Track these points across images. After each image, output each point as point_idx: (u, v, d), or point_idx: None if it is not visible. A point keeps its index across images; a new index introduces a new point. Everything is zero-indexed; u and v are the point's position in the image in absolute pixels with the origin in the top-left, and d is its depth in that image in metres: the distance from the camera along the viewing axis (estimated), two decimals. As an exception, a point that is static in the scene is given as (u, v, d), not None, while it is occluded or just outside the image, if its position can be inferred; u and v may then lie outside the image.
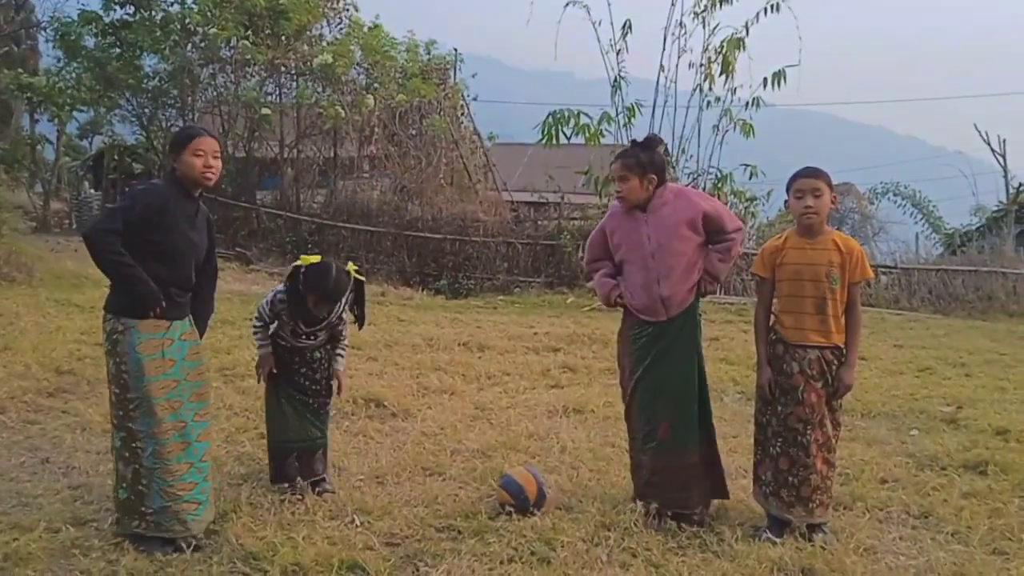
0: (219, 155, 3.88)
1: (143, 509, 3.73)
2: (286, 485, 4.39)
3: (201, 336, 4.04)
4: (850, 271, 3.99)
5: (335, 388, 4.53)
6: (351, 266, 4.36)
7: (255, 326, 4.44)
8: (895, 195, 26.98)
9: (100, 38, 21.40)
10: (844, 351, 4.02)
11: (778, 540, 3.87)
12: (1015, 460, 5.20)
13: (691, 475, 4.16)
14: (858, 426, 6.23)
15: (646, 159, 4.16)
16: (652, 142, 4.29)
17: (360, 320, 4.51)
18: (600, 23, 14.98)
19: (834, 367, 4.00)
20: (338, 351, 4.53)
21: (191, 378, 3.84)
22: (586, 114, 15.31)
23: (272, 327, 4.40)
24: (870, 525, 4.23)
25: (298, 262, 4.27)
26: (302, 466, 4.43)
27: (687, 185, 13.46)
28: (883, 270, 16.66)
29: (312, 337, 4.40)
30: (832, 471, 4.08)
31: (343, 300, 4.28)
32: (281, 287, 4.35)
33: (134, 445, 3.71)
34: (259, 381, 4.51)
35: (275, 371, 4.41)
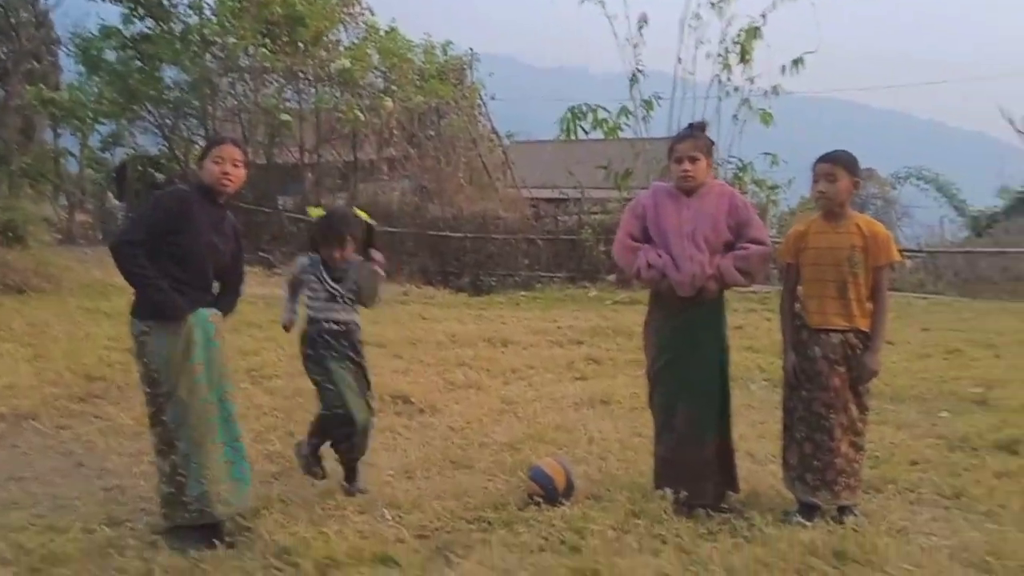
0: (239, 163, 3.91)
1: (184, 499, 3.78)
2: (316, 470, 4.38)
3: (226, 315, 4.10)
4: (874, 255, 3.96)
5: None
6: (359, 212, 4.44)
7: (285, 296, 4.50)
8: (918, 179, 26.70)
9: (121, 51, 21.65)
10: (869, 336, 4.00)
11: (808, 524, 3.85)
12: (1047, 439, 5.13)
13: (707, 467, 4.15)
14: (887, 409, 6.17)
15: (709, 141, 4.21)
16: (705, 127, 4.35)
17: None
18: (616, 17, 14.96)
19: (859, 352, 3.97)
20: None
21: (216, 359, 3.91)
22: (604, 108, 15.33)
23: (299, 303, 4.43)
24: (902, 507, 4.20)
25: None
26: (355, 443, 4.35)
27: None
28: (908, 254, 16.50)
29: (348, 300, 4.35)
30: (860, 455, 4.05)
31: (349, 233, 4.30)
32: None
33: (169, 437, 3.78)
34: (289, 330, 4.47)
35: (310, 352, 4.35)
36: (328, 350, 4.33)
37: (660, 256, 4.13)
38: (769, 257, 4.25)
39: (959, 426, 5.61)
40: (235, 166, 3.89)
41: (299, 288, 4.45)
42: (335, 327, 4.35)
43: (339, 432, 4.31)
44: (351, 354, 4.38)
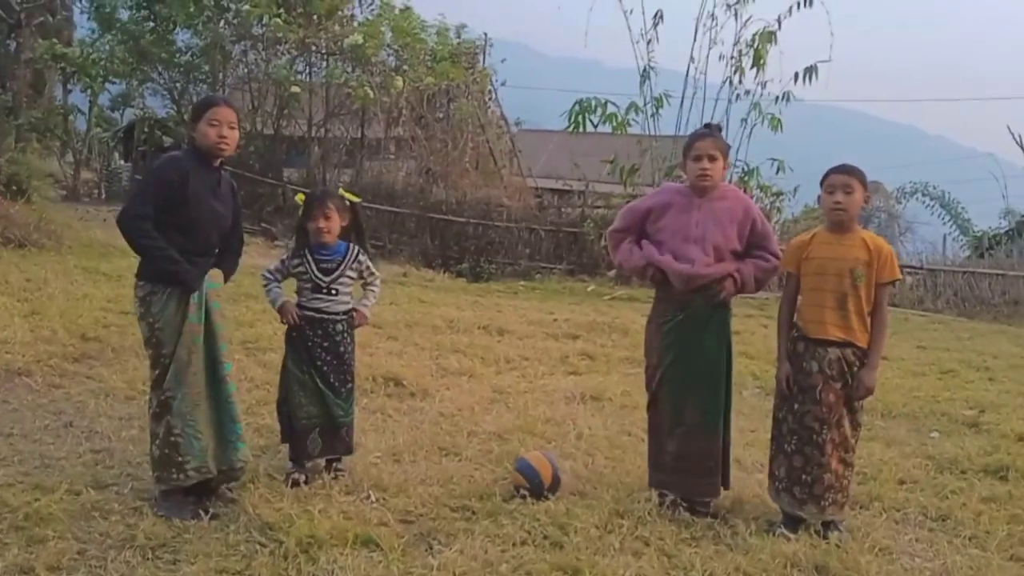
0: (235, 126, 3.87)
1: (179, 459, 3.79)
2: (299, 465, 4.31)
3: (228, 276, 4.12)
4: (878, 271, 3.95)
5: (355, 320, 4.44)
6: (345, 191, 4.45)
7: (265, 279, 4.40)
8: (923, 195, 26.62)
9: (134, 11, 21.56)
10: (866, 352, 3.99)
11: (792, 536, 3.85)
12: (1036, 466, 5.13)
13: (716, 461, 4.17)
14: (878, 426, 6.18)
15: (727, 144, 4.23)
16: (720, 128, 4.43)
17: (360, 242, 4.48)
18: (631, 12, 14.88)
19: (855, 368, 3.96)
20: (367, 291, 4.52)
21: (215, 320, 3.93)
22: (613, 103, 15.30)
23: (279, 291, 4.39)
24: (886, 525, 4.20)
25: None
26: (324, 443, 4.35)
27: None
28: (909, 270, 16.48)
29: (332, 291, 4.34)
30: (849, 471, 4.05)
31: (332, 203, 4.30)
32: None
33: (165, 397, 3.79)
34: (289, 322, 4.34)
35: (294, 333, 4.34)
36: (302, 340, 4.32)
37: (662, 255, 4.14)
38: (777, 269, 4.26)
39: (949, 448, 5.61)
40: (231, 128, 3.85)
41: (286, 275, 4.42)
42: (314, 316, 4.34)
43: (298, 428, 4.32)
44: (326, 344, 4.34)
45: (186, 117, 22.04)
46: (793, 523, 3.98)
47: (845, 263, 3.94)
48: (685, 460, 4.17)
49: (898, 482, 4.87)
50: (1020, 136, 22.08)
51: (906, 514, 4.39)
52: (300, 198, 4.48)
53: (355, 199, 4.45)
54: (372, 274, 4.52)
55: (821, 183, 4.04)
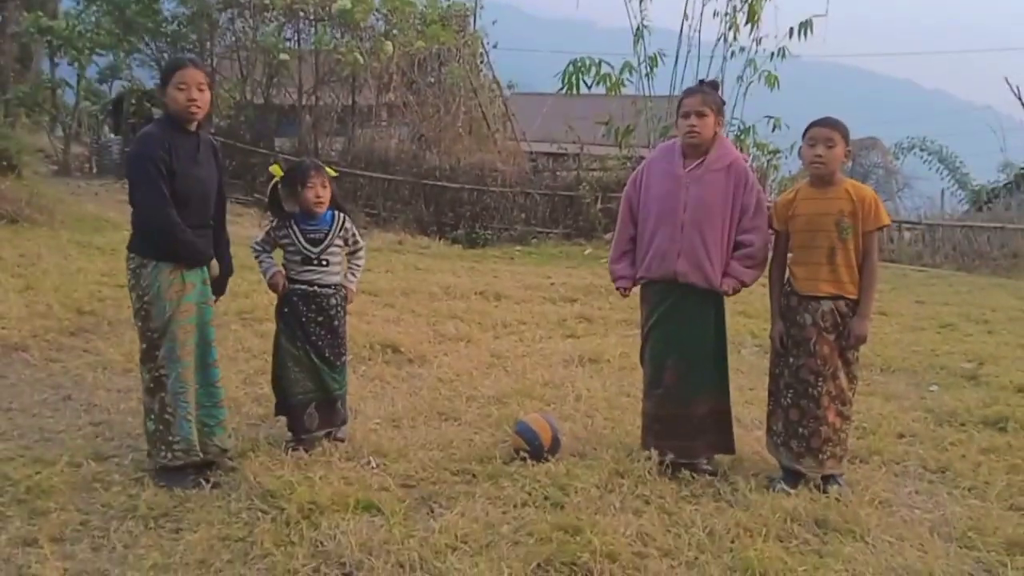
0: (205, 87, 3.75)
1: (170, 439, 3.79)
2: (302, 437, 4.29)
3: (228, 275, 4.11)
4: (863, 219, 3.93)
5: (346, 297, 4.42)
6: (323, 165, 4.38)
7: (255, 251, 4.35)
8: (921, 150, 26.54)
9: (119, -20, 21.20)
10: (858, 303, 3.98)
11: (792, 491, 3.87)
12: (1035, 417, 5.15)
13: (695, 426, 4.14)
14: (877, 380, 6.19)
15: (720, 99, 4.17)
16: (717, 85, 4.35)
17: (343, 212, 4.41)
18: (624, -31, 14.67)
19: (848, 319, 3.96)
20: (352, 265, 4.48)
21: (208, 303, 3.93)
22: (607, 63, 15.15)
23: (270, 262, 4.34)
24: (886, 478, 4.21)
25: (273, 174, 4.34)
26: (321, 416, 4.34)
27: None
28: (907, 226, 16.46)
29: (323, 262, 4.28)
30: (847, 424, 4.06)
31: (314, 171, 4.24)
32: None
33: (159, 374, 3.78)
34: (280, 291, 4.30)
35: (286, 308, 4.30)
36: (295, 315, 4.28)
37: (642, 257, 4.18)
38: (769, 238, 4.18)
39: (948, 400, 5.62)
40: (200, 90, 3.73)
41: (274, 246, 4.36)
42: (307, 289, 4.29)
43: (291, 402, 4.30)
44: (320, 319, 4.30)
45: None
46: (793, 478, 3.99)
47: (831, 216, 3.93)
48: (661, 422, 4.18)
49: (897, 435, 4.89)
50: (1018, 88, 21.90)
51: (905, 467, 4.41)
52: (276, 169, 4.36)
53: (333, 173, 4.37)
54: (357, 242, 4.46)
55: (803, 136, 4.01)
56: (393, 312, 7.96)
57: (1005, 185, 22.16)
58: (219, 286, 4.06)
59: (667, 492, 3.86)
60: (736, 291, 4.14)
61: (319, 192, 4.22)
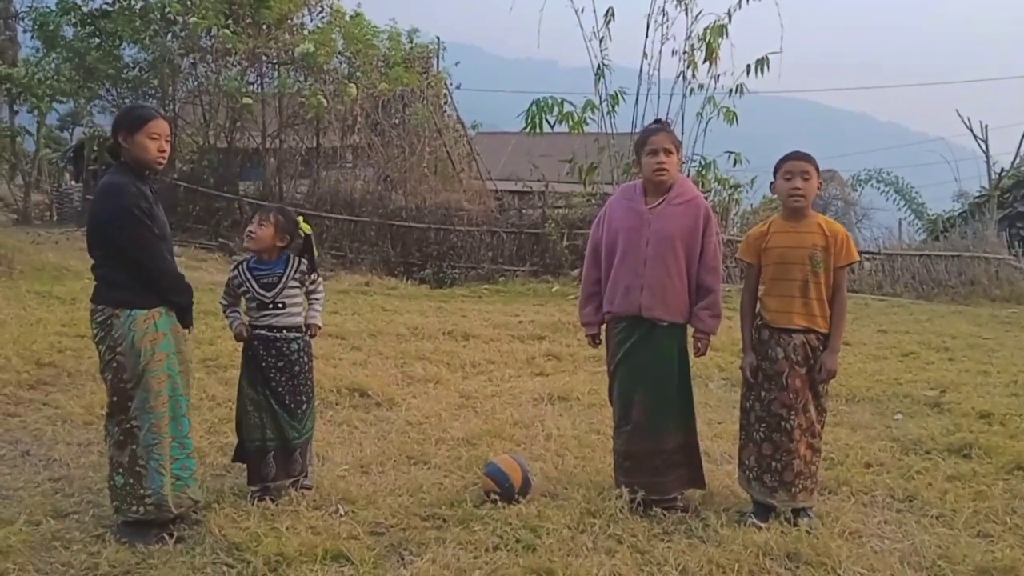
0: (170, 139, 3.86)
1: (141, 492, 3.70)
2: (260, 488, 4.19)
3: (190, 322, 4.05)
4: (835, 255, 3.99)
5: (308, 333, 4.36)
6: (303, 222, 4.36)
7: (222, 307, 4.35)
8: (878, 182, 27.07)
9: (79, 28, 21.17)
10: (828, 337, 4.02)
11: (763, 525, 3.87)
12: (999, 443, 5.22)
13: (664, 461, 4.14)
14: (843, 411, 6.24)
15: (679, 138, 4.23)
16: (670, 125, 4.46)
17: (311, 265, 4.35)
18: (583, 11, 14.90)
19: (819, 353, 4.00)
20: (312, 301, 4.41)
21: (180, 349, 3.87)
22: (570, 102, 15.30)
23: (235, 315, 4.32)
24: (855, 509, 4.23)
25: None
26: (278, 466, 4.23)
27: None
28: (867, 256, 16.72)
29: (279, 305, 4.23)
30: (817, 456, 4.09)
31: (272, 219, 4.21)
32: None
33: (129, 426, 3.70)
34: (244, 340, 4.27)
35: (249, 352, 4.26)
36: (256, 359, 4.24)
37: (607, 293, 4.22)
38: (720, 278, 4.22)
39: (913, 429, 5.68)
40: (167, 142, 3.82)
41: (236, 296, 4.34)
42: (266, 334, 4.25)
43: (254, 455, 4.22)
44: (280, 363, 4.24)
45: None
46: (763, 512, 3.99)
47: (804, 250, 3.98)
48: (631, 459, 4.17)
49: (865, 465, 4.93)
50: (968, 119, 22.50)
51: (874, 497, 4.44)
52: (306, 227, 4.37)
53: (308, 230, 4.35)
54: (314, 282, 4.40)
55: (775, 170, 4.06)
56: (360, 355, 7.90)
57: (960, 214, 22.67)
58: (186, 316, 3.99)
59: (639, 530, 3.85)
60: (706, 346, 4.24)
61: (252, 229, 4.22)
